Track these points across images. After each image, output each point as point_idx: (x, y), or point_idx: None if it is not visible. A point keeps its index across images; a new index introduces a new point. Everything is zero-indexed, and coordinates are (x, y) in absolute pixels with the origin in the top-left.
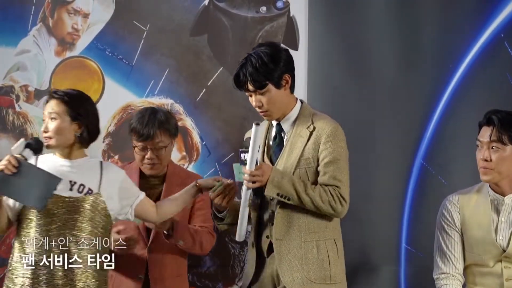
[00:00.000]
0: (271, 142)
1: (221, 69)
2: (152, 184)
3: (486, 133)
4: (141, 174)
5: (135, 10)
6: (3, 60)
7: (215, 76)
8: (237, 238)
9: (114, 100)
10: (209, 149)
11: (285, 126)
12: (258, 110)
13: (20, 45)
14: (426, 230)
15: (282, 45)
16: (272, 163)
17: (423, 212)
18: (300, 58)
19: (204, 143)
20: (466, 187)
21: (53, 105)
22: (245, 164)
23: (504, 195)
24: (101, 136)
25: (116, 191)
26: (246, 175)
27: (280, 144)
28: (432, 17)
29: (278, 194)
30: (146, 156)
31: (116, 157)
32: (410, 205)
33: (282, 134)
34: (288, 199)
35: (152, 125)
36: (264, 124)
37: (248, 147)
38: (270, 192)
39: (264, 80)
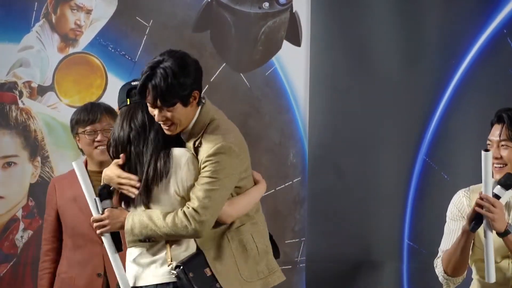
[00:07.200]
0: None
1: (223, 65)
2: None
3: (496, 131)
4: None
5: (138, 6)
6: (6, 56)
7: (217, 72)
8: None
9: (117, 96)
10: None
11: (184, 138)
12: (160, 122)
13: (23, 41)
14: (429, 226)
15: (189, 55)
16: None
17: (425, 208)
18: (302, 54)
19: None
20: (469, 183)
21: None
22: None
23: None
24: None
25: None
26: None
27: None
28: (434, 13)
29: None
30: (96, 139)
31: None
32: (412, 201)
33: None
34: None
35: (97, 109)
36: None
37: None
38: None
39: (174, 99)
